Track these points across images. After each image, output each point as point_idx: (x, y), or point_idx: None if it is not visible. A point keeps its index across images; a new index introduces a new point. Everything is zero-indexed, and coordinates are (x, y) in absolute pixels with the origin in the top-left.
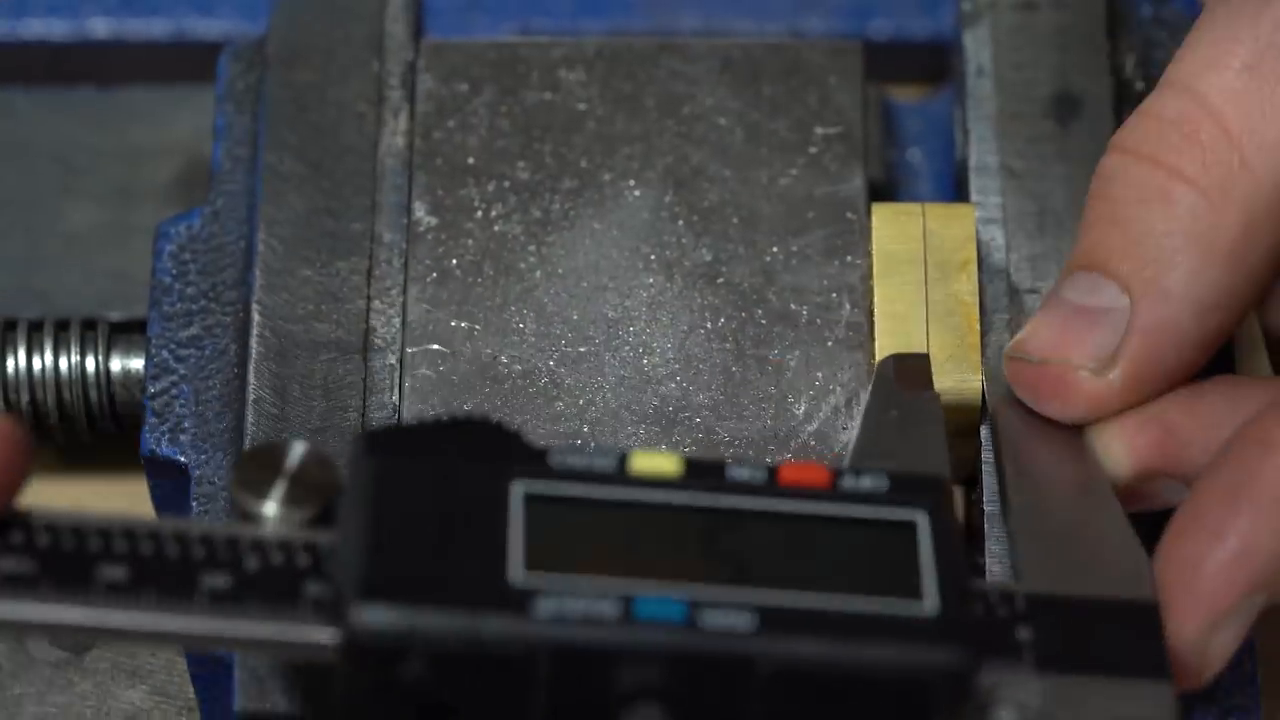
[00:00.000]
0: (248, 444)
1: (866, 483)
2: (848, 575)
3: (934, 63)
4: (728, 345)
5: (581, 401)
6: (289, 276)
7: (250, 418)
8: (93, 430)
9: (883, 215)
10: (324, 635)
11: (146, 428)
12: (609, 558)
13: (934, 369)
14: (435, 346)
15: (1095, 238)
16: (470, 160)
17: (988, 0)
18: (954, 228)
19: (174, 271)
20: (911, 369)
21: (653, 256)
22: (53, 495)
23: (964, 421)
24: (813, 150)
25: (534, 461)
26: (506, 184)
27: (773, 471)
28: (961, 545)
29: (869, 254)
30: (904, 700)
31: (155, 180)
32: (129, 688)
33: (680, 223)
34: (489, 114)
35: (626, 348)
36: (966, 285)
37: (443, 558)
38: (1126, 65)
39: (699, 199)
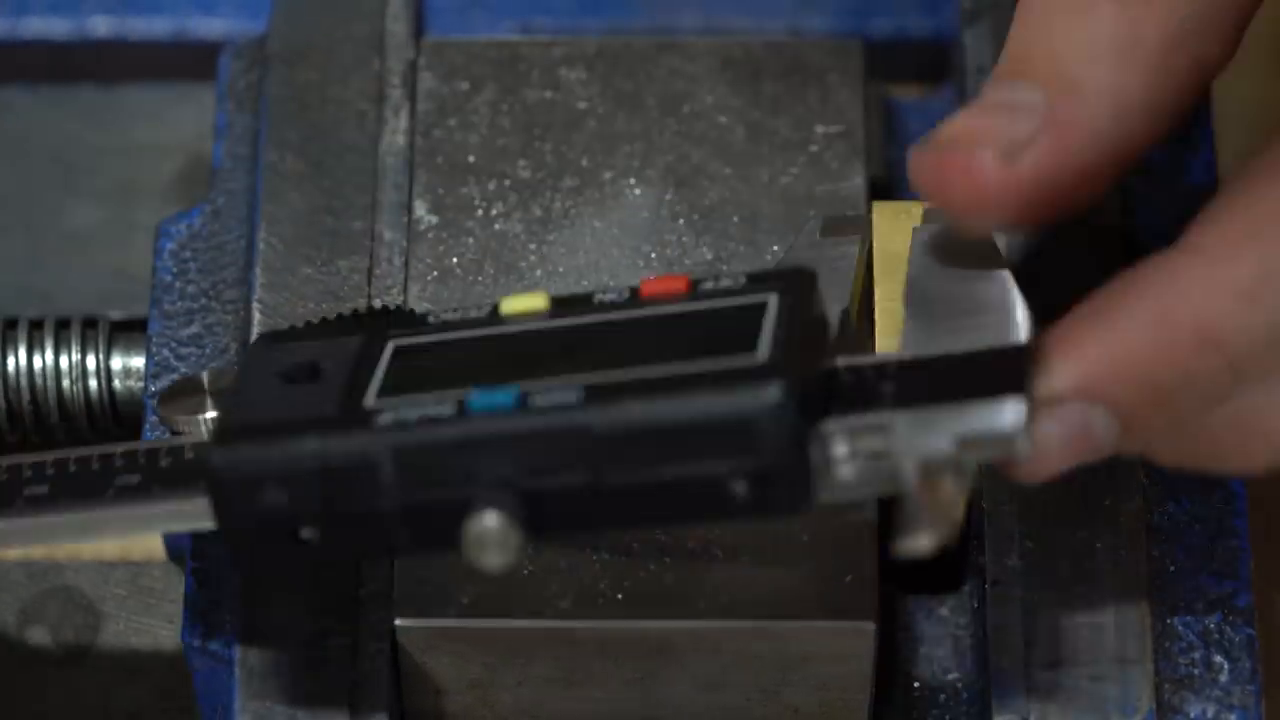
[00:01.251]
0: None
1: (725, 282)
2: (684, 349)
3: (935, 61)
4: None
5: None
6: (290, 275)
7: None
8: (94, 428)
9: (883, 213)
10: (204, 503)
11: (147, 426)
12: (458, 376)
13: None
14: None
15: (1018, 45)
16: (471, 159)
17: None
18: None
19: (175, 270)
20: (843, 224)
21: (654, 255)
22: None
23: None
24: (813, 149)
25: (411, 323)
26: (507, 182)
27: (635, 289)
28: (819, 322)
29: (869, 253)
30: (738, 449)
31: (156, 178)
32: (129, 686)
33: (681, 221)
34: (490, 112)
35: None
36: None
37: (303, 402)
38: None
39: (700, 198)
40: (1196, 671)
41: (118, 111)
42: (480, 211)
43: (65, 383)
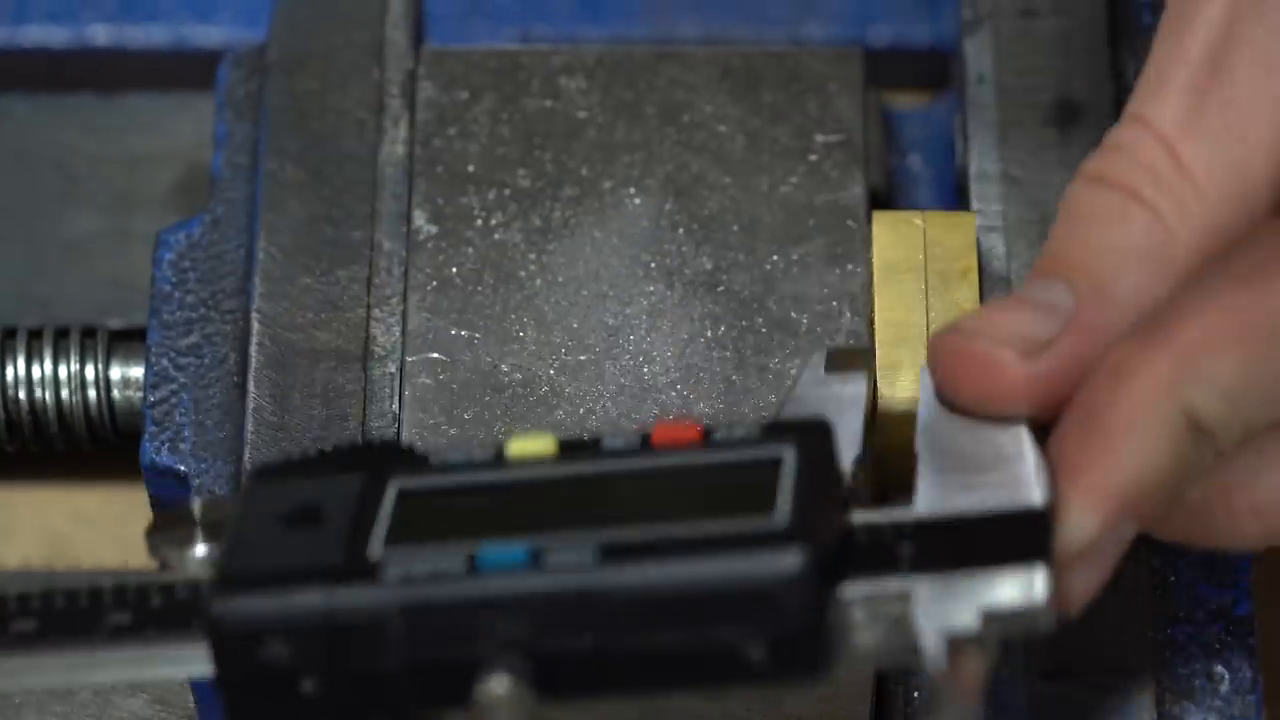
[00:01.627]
0: (247, 452)
1: (739, 432)
2: (700, 506)
3: (934, 70)
4: (728, 353)
5: (582, 410)
6: (289, 284)
7: (250, 426)
8: (92, 438)
9: (883, 223)
10: (201, 648)
11: (146, 436)
12: (466, 526)
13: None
14: (435, 355)
15: (1053, 249)
16: (470, 168)
17: (988, 7)
18: (955, 236)
19: (174, 279)
20: (847, 357)
21: (653, 264)
22: (52, 504)
23: None
24: (813, 158)
25: (416, 464)
26: (507, 192)
27: (646, 436)
28: (836, 478)
29: (869, 262)
30: (756, 614)
31: (155, 188)
32: (129, 696)
33: (680, 231)
34: (489, 122)
35: (627, 356)
36: (967, 293)
37: (306, 549)
38: (1127, 72)
39: (699, 207)
40: (1197, 681)
41: (117, 120)
42: (480, 221)
43: (64, 392)
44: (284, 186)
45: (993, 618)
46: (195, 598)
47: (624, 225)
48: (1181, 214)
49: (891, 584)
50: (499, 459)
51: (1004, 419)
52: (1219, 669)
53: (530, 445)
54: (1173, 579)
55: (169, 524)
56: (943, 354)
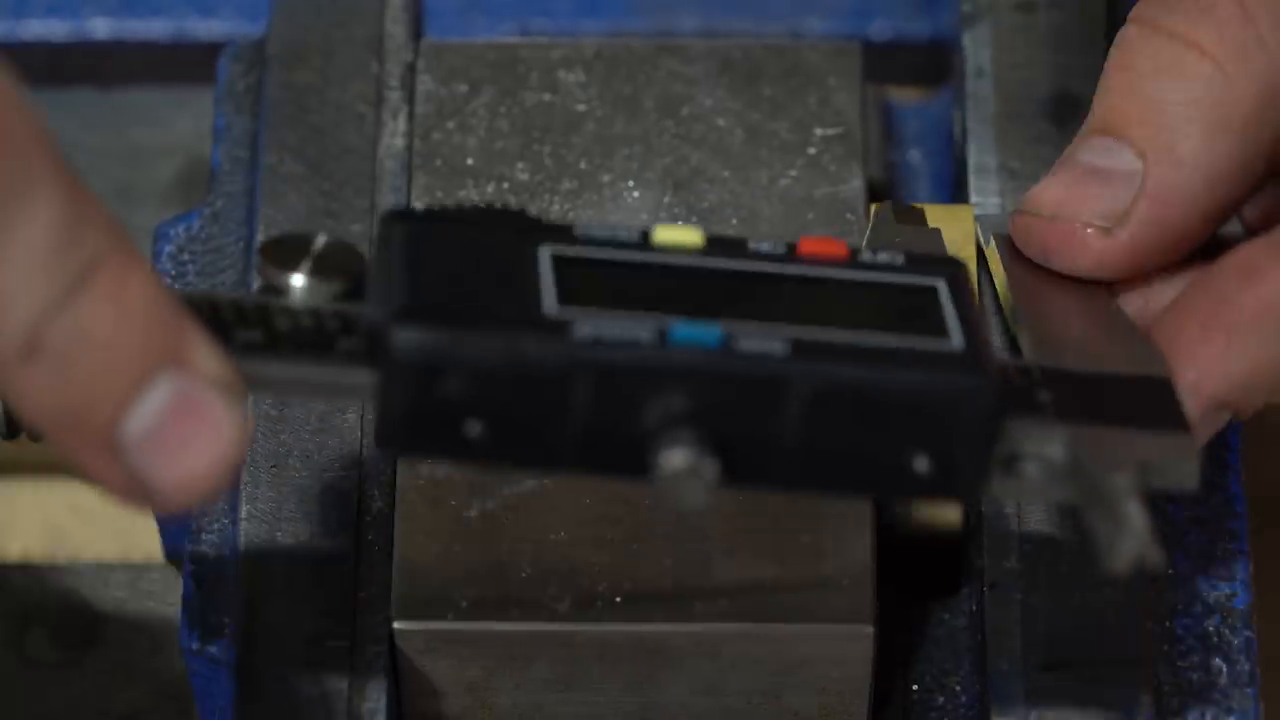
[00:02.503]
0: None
1: (884, 257)
2: (877, 318)
3: (933, 64)
4: None
5: None
6: None
7: (248, 419)
8: None
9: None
10: (360, 376)
11: None
12: (643, 298)
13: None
14: None
15: (1112, 104)
16: (469, 161)
17: (987, 1)
18: (953, 228)
19: (173, 272)
20: (909, 214)
21: None
22: (52, 498)
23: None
24: (812, 151)
25: (559, 233)
26: (506, 185)
27: (791, 246)
28: (981, 313)
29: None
30: (935, 429)
31: (155, 181)
32: (128, 689)
33: (680, 223)
34: (488, 115)
35: None
36: None
37: (478, 294)
38: None
39: (698, 200)
40: (1195, 675)
41: (117, 114)
42: None
43: None
44: (283, 179)
45: (1152, 471)
46: (323, 328)
47: (623, 218)
48: (1243, 63)
49: (1051, 431)
50: (645, 242)
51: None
52: (1217, 662)
53: (677, 234)
54: (1171, 572)
55: (285, 246)
56: (1030, 237)
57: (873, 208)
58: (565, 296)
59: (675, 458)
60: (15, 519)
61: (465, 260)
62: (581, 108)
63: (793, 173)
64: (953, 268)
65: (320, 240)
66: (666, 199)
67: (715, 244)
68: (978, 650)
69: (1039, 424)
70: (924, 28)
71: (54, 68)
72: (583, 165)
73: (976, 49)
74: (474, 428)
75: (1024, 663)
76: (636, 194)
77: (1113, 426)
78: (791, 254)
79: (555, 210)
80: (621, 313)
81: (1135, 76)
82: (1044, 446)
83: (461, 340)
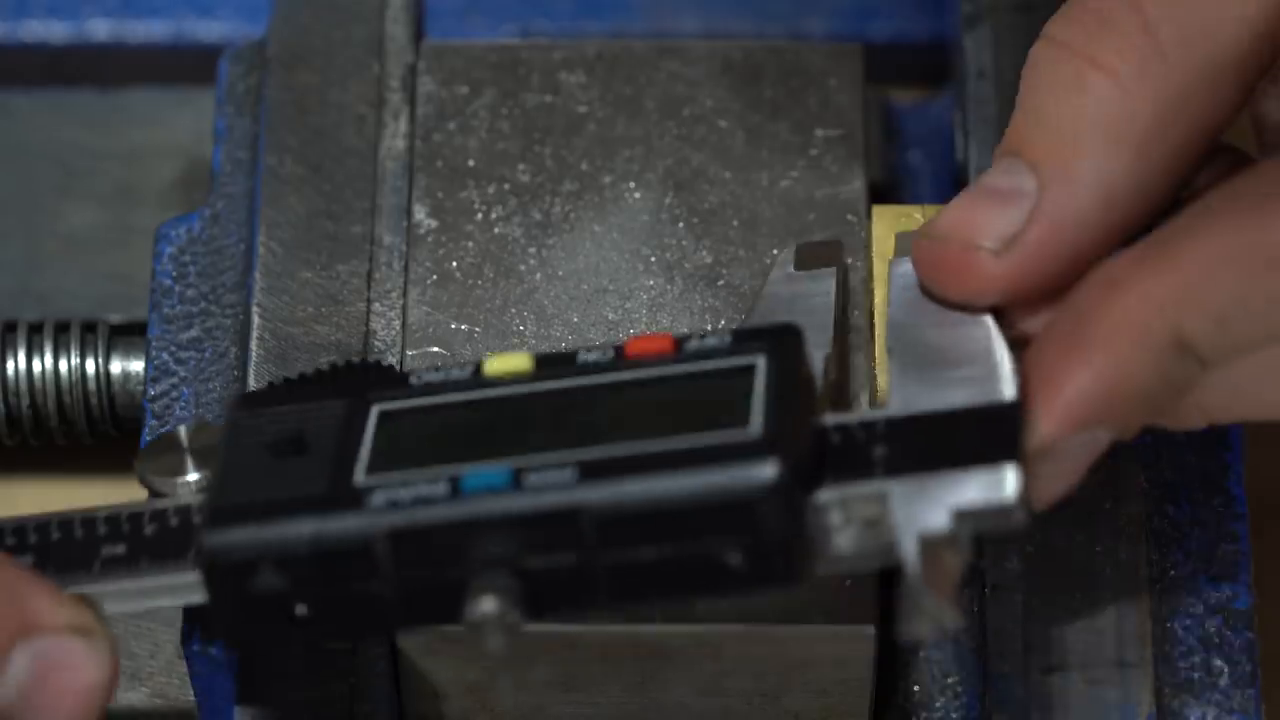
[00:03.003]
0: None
1: (710, 341)
2: (676, 420)
3: (934, 65)
4: None
5: None
6: (289, 279)
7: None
8: (93, 433)
9: (883, 217)
10: (193, 577)
11: (146, 430)
12: (447, 448)
13: None
14: (435, 349)
15: (1016, 124)
16: (470, 163)
17: (988, 2)
18: None
19: (174, 274)
20: (817, 252)
21: (653, 259)
22: (52, 498)
23: None
24: (813, 152)
25: (396, 385)
26: (507, 186)
27: (619, 348)
28: (808, 382)
29: (869, 256)
30: (735, 525)
31: (155, 182)
32: (129, 690)
33: (681, 225)
34: (489, 116)
35: None
36: None
37: (293, 478)
38: None
39: (699, 201)
40: (1196, 675)
41: (117, 115)
42: (480, 215)
43: (64, 387)
44: (284, 181)
45: (965, 516)
46: (187, 525)
47: (624, 219)
48: (1141, 77)
49: (866, 487)
50: (477, 376)
51: (972, 311)
52: (1218, 663)
53: (507, 362)
54: (1173, 572)
55: (157, 452)
56: (921, 260)
57: (776, 254)
58: (374, 463)
59: (480, 606)
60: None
61: (291, 435)
62: (582, 109)
63: (794, 174)
64: (782, 338)
65: (185, 433)
66: (668, 200)
67: (544, 364)
68: (978, 651)
69: (851, 486)
70: (925, 29)
71: (54, 69)
72: (584, 166)
73: (977, 50)
74: (301, 608)
75: (1025, 664)
76: (638, 195)
77: (929, 472)
78: (619, 358)
79: (556, 211)
80: (420, 469)
81: (1038, 94)
82: (862, 509)
83: (266, 533)
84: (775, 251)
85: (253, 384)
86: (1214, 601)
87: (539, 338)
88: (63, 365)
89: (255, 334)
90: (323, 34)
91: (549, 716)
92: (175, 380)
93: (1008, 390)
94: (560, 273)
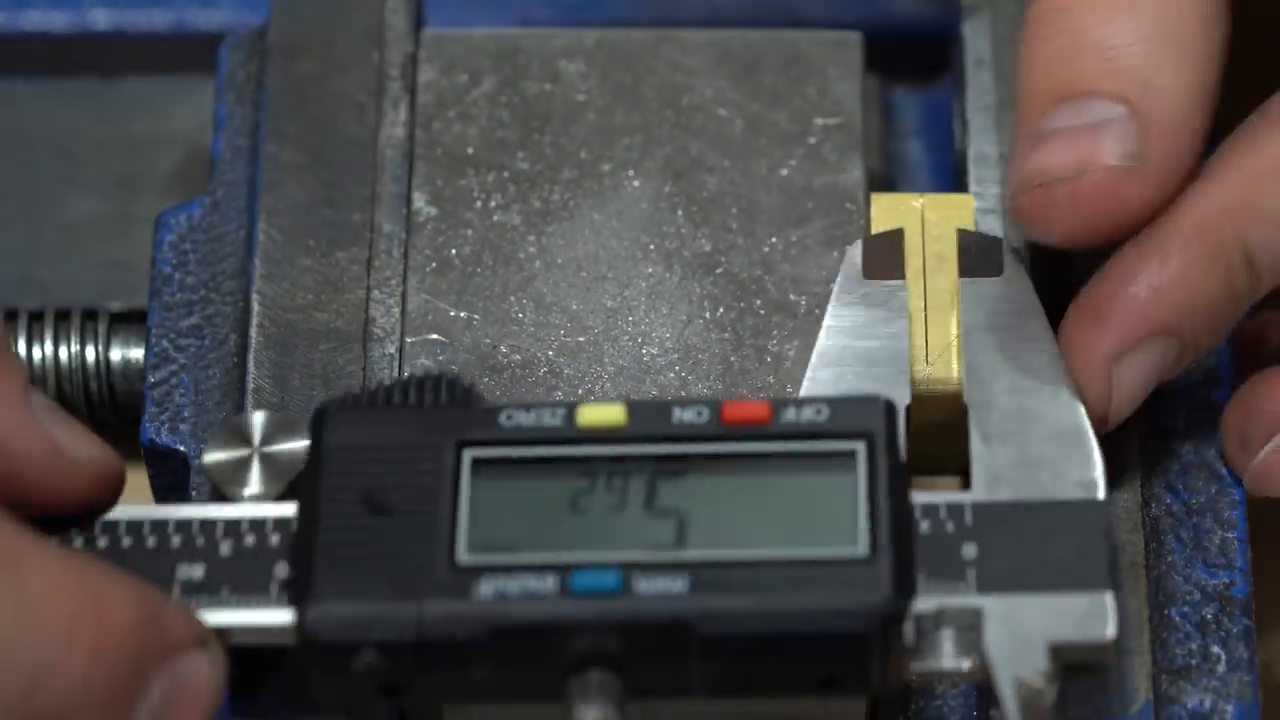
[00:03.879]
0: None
1: (808, 415)
2: (782, 526)
3: (933, 54)
4: (727, 335)
5: (581, 391)
6: (289, 266)
7: (250, 407)
8: (93, 420)
9: (882, 206)
10: (288, 618)
11: (146, 417)
12: (552, 530)
13: (932, 358)
14: (435, 336)
15: (1065, 67)
16: (470, 151)
17: None
18: (953, 218)
19: (174, 261)
20: (883, 251)
21: (652, 247)
22: None
23: (961, 409)
24: (812, 141)
25: (485, 425)
26: (506, 174)
27: (715, 410)
28: (901, 471)
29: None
30: (845, 650)
31: (156, 170)
32: None
33: (679, 213)
34: (489, 105)
35: (626, 338)
36: None
37: (393, 544)
38: None
39: (698, 189)
40: (1194, 662)
41: (118, 104)
42: (479, 203)
43: (65, 374)
44: (284, 169)
45: (1060, 649)
46: (265, 549)
47: (623, 207)
48: None
49: (960, 599)
50: (570, 424)
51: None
52: (1215, 649)
53: (601, 414)
54: (1169, 559)
55: (226, 446)
56: (1054, 205)
57: (847, 252)
58: (476, 537)
59: (581, 688)
60: None
61: (382, 483)
62: (582, 97)
63: (792, 162)
64: (874, 418)
65: (256, 428)
66: (667, 188)
67: (638, 417)
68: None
69: (955, 595)
70: (924, 18)
71: (55, 58)
72: (583, 155)
73: (976, 39)
74: (393, 680)
75: None
76: (637, 183)
77: (1030, 594)
78: (715, 421)
79: (556, 199)
80: (526, 554)
81: (1083, 32)
82: (961, 617)
83: (368, 617)
84: (772, 238)
85: (252, 370)
86: (1211, 589)
87: (538, 325)
88: (63, 353)
89: (255, 321)
90: (323, 22)
91: (549, 713)
92: (175, 367)
93: (1098, 487)
94: (559, 260)
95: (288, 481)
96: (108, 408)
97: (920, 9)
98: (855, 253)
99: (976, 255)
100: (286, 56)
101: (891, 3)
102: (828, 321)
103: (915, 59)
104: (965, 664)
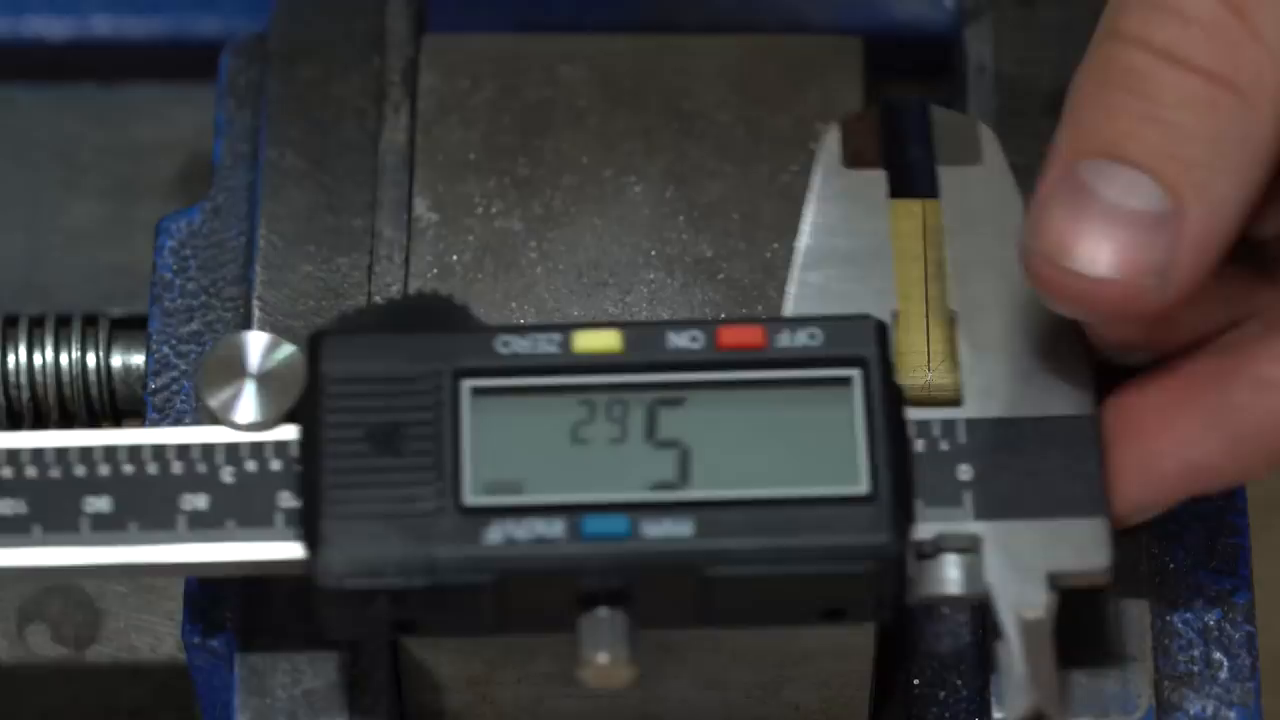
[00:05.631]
0: None
1: (801, 339)
2: (782, 456)
3: (935, 59)
4: None
5: None
6: (290, 272)
7: None
8: (94, 426)
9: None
10: (298, 552)
11: (147, 423)
12: (555, 463)
13: (932, 365)
14: None
15: (1128, 130)
16: (471, 156)
17: None
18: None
19: (175, 267)
20: (861, 135)
21: (653, 252)
22: None
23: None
24: (813, 146)
25: (481, 352)
26: (507, 180)
27: (710, 334)
28: (895, 394)
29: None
30: (849, 587)
31: (156, 176)
32: (130, 684)
33: (681, 219)
34: (490, 110)
35: None
36: None
37: (398, 484)
38: None
39: (699, 195)
40: (1196, 669)
41: (118, 110)
42: (480, 209)
43: (65, 380)
44: (285, 174)
45: (1057, 577)
46: (266, 475)
47: (624, 213)
48: (1259, 89)
49: (958, 525)
50: (566, 350)
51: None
52: (1218, 656)
53: (596, 340)
54: (1172, 566)
55: (219, 373)
56: (1075, 297)
57: (825, 139)
58: (481, 476)
59: (592, 621)
60: None
61: (383, 417)
62: (583, 103)
63: (794, 168)
64: (869, 344)
65: (249, 352)
66: (668, 194)
67: (633, 343)
68: (979, 645)
69: (954, 520)
70: (926, 23)
71: (55, 65)
72: (584, 160)
73: (978, 44)
74: (404, 619)
75: None
76: (638, 189)
77: (1027, 520)
78: (711, 346)
79: (557, 205)
80: (533, 495)
81: (1154, 106)
82: (960, 541)
83: (378, 564)
84: (773, 244)
85: None
86: (1214, 595)
87: None
88: (64, 359)
89: (256, 327)
90: (324, 27)
91: (550, 710)
92: (176, 373)
93: (1089, 401)
94: (561, 266)
95: (285, 408)
96: (109, 414)
97: (921, 14)
98: (833, 140)
99: (952, 140)
100: (287, 62)
101: (893, 8)
102: (810, 216)
103: (917, 64)
104: (966, 590)
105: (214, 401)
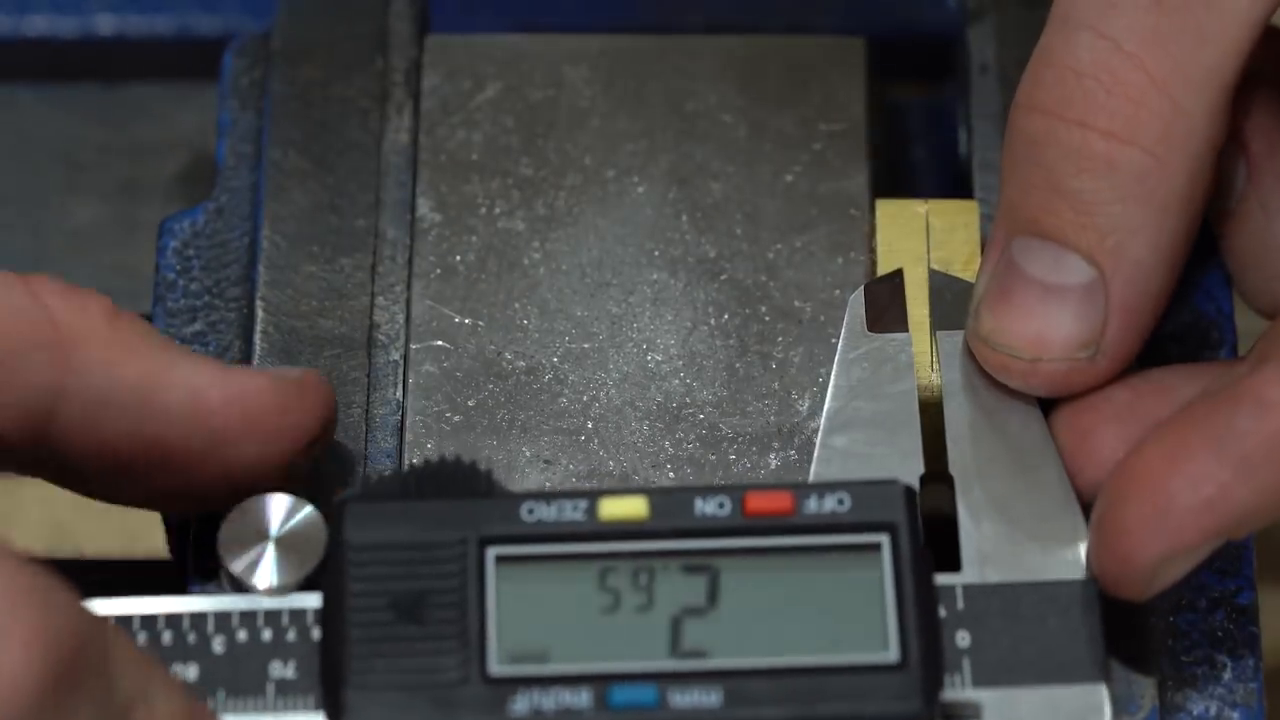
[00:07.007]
0: None
1: (829, 505)
2: (811, 622)
3: (938, 59)
4: (731, 342)
5: (585, 398)
6: (293, 272)
7: None
8: None
9: (886, 212)
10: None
11: None
12: (581, 632)
13: (936, 366)
14: (439, 342)
15: (1040, 205)
16: (474, 157)
17: None
18: (957, 224)
19: (178, 267)
20: (885, 298)
21: (656, 253)
22: (56, 493)
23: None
24: (816, 147)
25: (506, 518)
26: (510, 180)
27: (738, 501)
28: (924, 561)
29: (872, 251)
30: None
31: (159, 176)
32: None
33: (684, 219)
34: (493, 110)
35: (630, 344)
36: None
37: (423, 653)
38: None
39: (702, 195)
40: (1199, 669)
41: (121, 110)
42: (483, 209)
43: None
44: (288, 175)
45: None
46: (279, 643)
47: (627, 213)
48: (1167, 143)
49: (959, 693)
50: (591, 518)
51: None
52: (1221, 657)
53: (622, 507)
54: None
55: (241, 539)
56: (1001, 371)
57: (850, 303)
58: (507, 646)
59: None
60: (19, 514)
61: (408, 584)
62: (586, 103)
63: (797, 168)
64: (897, 509)
65: (271, 523)
66: (671, 194)
67: (660, 510)
68: None
69: (955, 689)
70: (928, 23)
71: (58, 64)
72: (587, 161)
73: (981, 44)
74: None
75: None
76: (641, 189)
77: (1025, 687)
78: (738, 512)
79: (560, 205)
80: (559, 665)
81: (1058, 176)
82: (961, 710)
83: None
84: (776, 244)
85: None
86: (1217, 596)
87: (542, 331)
88: None
89: (259, 328)
90: (327, 28)
91: None
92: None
93: (1081, 567)
94: (564, 267)
95: (303, 574)
96: None
97: (924, 14)
98: (858, 303)
99: (951, 304)
100: (290, 62)
101: (895, 8)
102: (835, 379)
103: (919, 64)
104: None
105: (237, 566)
